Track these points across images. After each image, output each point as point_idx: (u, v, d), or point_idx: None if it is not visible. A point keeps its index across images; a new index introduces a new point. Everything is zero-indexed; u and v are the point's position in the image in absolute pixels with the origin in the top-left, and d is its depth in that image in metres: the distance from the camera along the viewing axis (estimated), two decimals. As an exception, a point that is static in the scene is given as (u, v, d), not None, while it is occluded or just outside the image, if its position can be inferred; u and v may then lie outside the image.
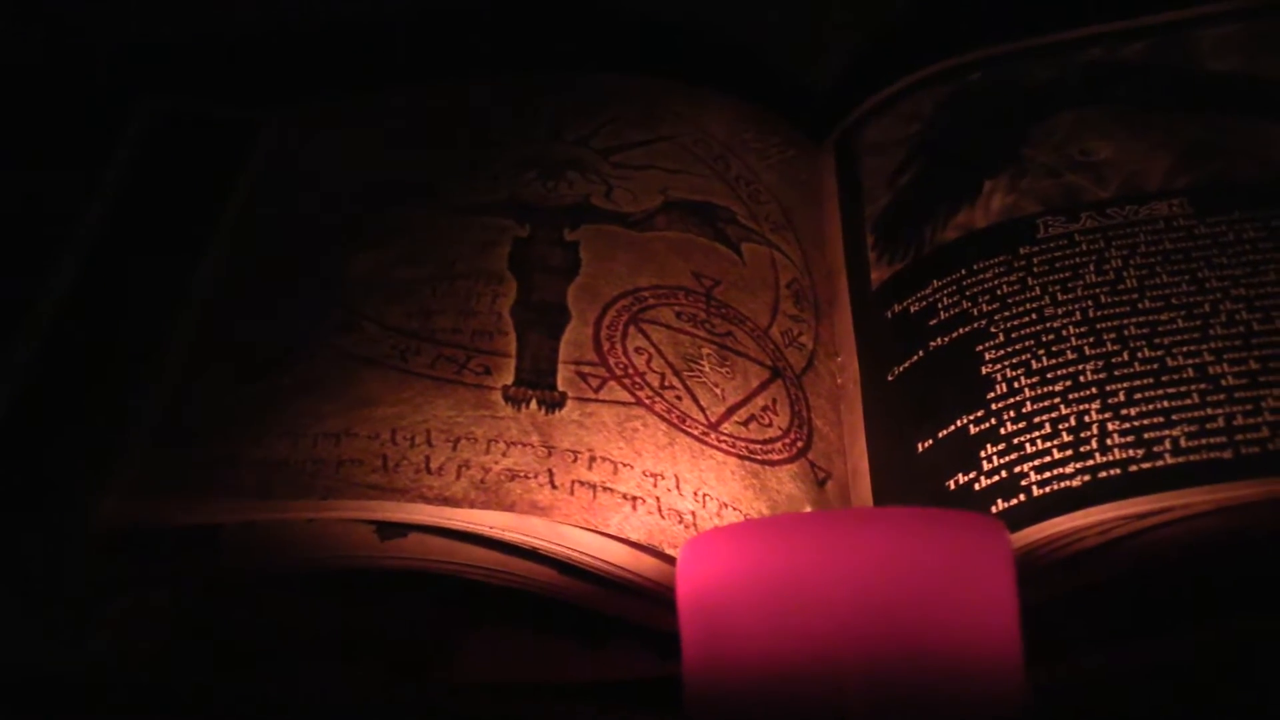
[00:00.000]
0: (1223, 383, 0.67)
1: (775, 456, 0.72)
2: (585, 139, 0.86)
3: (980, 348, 0.73)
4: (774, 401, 0.74)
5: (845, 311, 0.81)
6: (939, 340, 0.75)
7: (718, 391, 0.73)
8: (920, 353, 0.75)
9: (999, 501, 0.67)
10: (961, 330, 0.74)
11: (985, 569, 0.54)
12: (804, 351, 0.78)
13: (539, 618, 0.67)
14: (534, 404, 0.69)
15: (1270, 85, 0.81)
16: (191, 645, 0.66)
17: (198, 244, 0.80)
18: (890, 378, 0.76)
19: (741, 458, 0.71)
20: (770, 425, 0.73)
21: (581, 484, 0.66)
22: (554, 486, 0.66)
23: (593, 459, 0.68)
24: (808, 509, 0.70)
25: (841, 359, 0.79)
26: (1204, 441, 0.65)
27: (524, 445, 0.67)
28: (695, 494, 0.68)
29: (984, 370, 0.72)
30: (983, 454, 0.69)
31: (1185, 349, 0.69)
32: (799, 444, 0.73)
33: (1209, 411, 0.66)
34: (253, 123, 0.90)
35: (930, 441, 0.71)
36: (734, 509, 0.68)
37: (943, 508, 0.66)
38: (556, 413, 0.69)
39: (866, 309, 0.80)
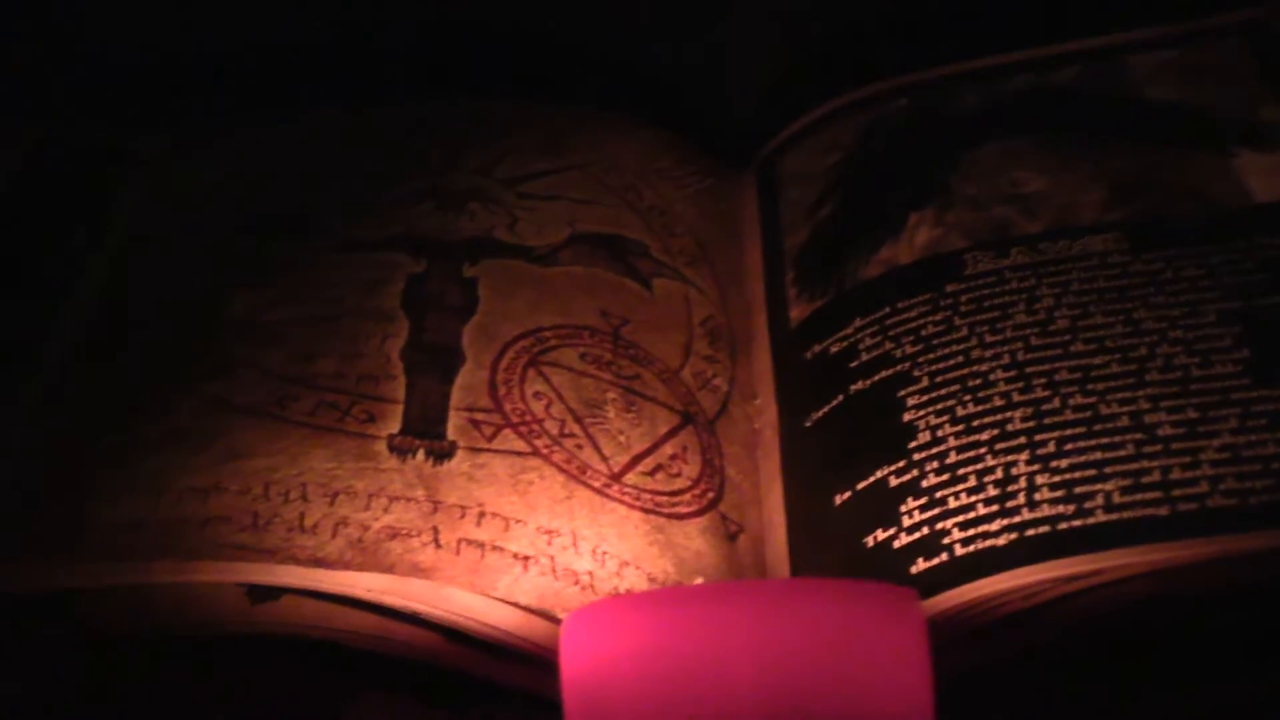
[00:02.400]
0: (1159, 433, 0.63)
1: (683, 509, 0.67)
2: (488, 168, 0.81)
3: (903, 393, 0.68)
4: (684, 449, 0.69)
5: (764, 351, 0.77)
6: (860, 384, 0.70)
7: (622, 439, 0.68)
8: (840, 397, 0.70)
9: (919, 561, 0.62)
10: (883, 373, 0.70)
11: (897, 644, 0.49)
12: (718, 395, 0.73)
13: (424, 684, 0.62)
14: (420, 455, 0.64)
15: (1206, 115, 0.77)
16: None
17: (64, 282, 0.75)
18: (808, 423, 0.71)
19: (646, 511, 0.66)
20: (679, 475, 0.68)
21: (468, 542, 0.61)
22: (438, 545, 0.61)
23: (482, 515, 0.62)
24: (708, 573, 0.65)
25: (760, 401, 0.74)
26: (1138, 497, 0.61)
27: (408, 500, 0.62)
28: (594, 552, 0.63)
29: (906, 417, 0.67)
30: (903, 508, 0.64)
31: (1120, 396, 0.65)
32: (710, 495, 0.68)
33: (1144, 464, 0.62)
34: (130, 150, 0.84)
35: (848, 494, 0.66)
36: (635, 567, 0.63)
37: (851, 578, 0.61)
38: (445, 464, 0.64)
39: (785, 349, 0.76)
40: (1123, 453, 0.62)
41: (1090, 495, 0.61)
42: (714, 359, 0.74)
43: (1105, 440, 0.63)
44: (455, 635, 0.60)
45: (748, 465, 0.71)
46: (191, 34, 0.88)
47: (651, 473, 0.67)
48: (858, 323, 0.73)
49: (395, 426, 0.65)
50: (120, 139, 0.86)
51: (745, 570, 0.67)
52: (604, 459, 0.67)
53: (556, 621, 0.60)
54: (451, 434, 0.65)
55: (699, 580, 0.64)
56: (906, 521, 0.64)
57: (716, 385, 0.73)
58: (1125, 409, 0.64)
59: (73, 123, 0.87)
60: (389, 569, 0.60)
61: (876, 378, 0.70)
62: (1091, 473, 0.62)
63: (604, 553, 0.63)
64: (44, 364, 0.70)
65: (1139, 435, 0.63)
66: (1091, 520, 0.60)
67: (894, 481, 0.65)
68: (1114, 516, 0.60)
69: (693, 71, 0.92)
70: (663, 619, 0.49)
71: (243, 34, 0.88)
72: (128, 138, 0.86)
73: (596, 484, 0.66)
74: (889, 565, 0.63)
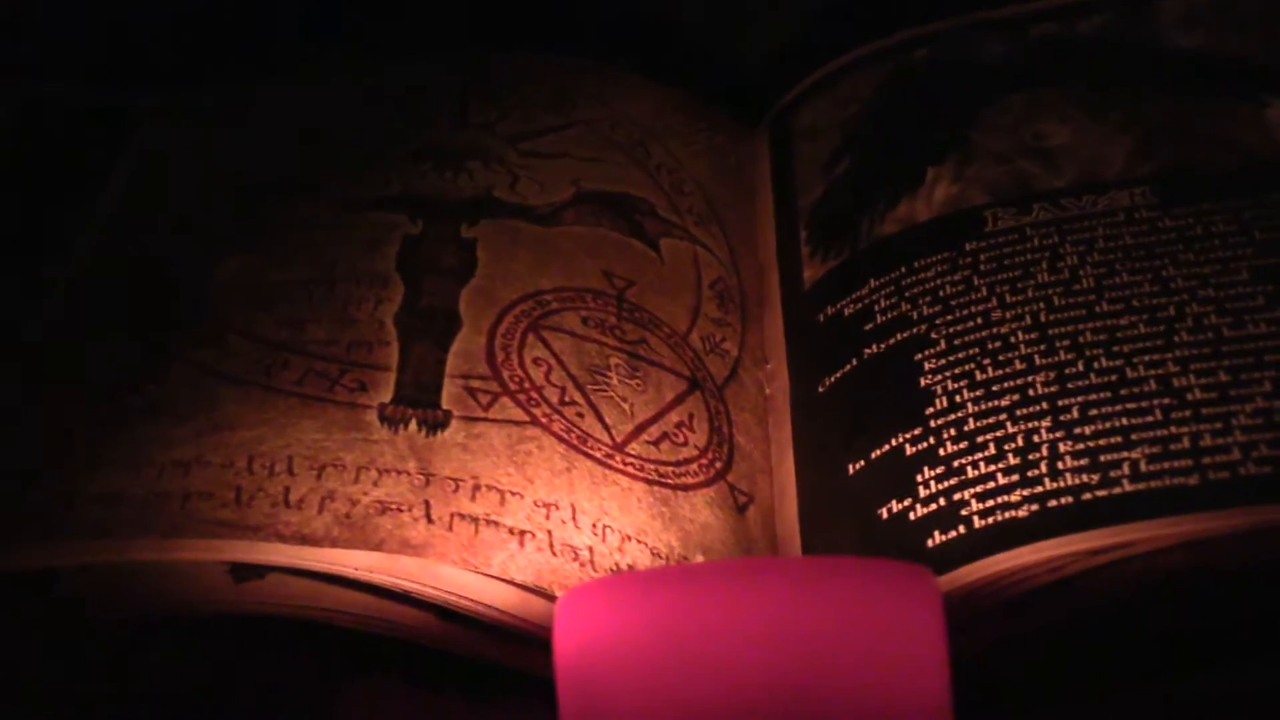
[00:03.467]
0: (1188, 397, 0.59)
1: (689, 480, 0.64)
2: (491, 124, 0.78)
3: (919, 356, 0.65)
4: (690, 417, 0.66)
5: (776, 313, 0.73)
6: (875, 347, 0.67)
7: (626, 407, 0.65)
8: (854, 361, 0.67)
9: (936, 534, 0.59)
10: (900, 336, 0.67)
11: (911, 624, 0.46)
12: (727, 359, 0.70)
13: (422, 666, 0.59)
14: (413, 425, 0.61)
15: (1238, 63, 0.74)
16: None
17: (58, 248, 0.72)
18: (821, 389, 0.68)
19: (650, 482, 0.63)
20: (685, 444, 0.65)
21: (462, 517, 0.58)
22: (430, 520, 0.58)
23: (477, 488, 0.59)
24: (716, 547, 0.62)
25: (771, 366, 0.71)
26: (1166, 465, 0.57)
27: (398, 473, 0.59)
28: (594, 526, 0.60)
29: (923, 382, 0.64)
30: (919, 478, 0.61)
31: (1147, 358, 0.61)
32: (717, 465, 0.65)
33: (1173, 430, 0.58)
34: (128, 112, 0.81)
35: (862, 463, 0.63)
36: (638, 542, 0.60)
37: (862, 555, 0.58)
38: (439, 434, 0.61)
39: (798, 311, 0.72)
40: (1150, 418, 0.59)
41: (1116, 464, 0.58)
42: (723, 322, 0.71)
43: (1132, 405, 0.60)
44: (448, 614, 0.57)
45: (758, 433, 0.68)
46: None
47: (656, 442, 0.64)
48: (873, 283, 0.70)
49: (387, 395, 0.62)
50: (116, 99, 0.83)
51: (754, 543, 0.64)
52: (606, 428, 0.64)
53: (554, 599, 0.57)
54: (446, 403, 0.62)
55: (700, 557, 0.61)
56: (923, 492, 0.60)
57: (726, 349, 0.70)
58: (1153, 372, 0.61)
59: (66, 82, 0.83)
60: (377, 546, 0.57)
61: (892, 340, 0.67)
62: (1117, 440, 0.59)
63: (605, 527, 0.60)
64: (36, 329, 0.67)
65: (1167, 400, 0.60)
66: (1117, 490, 0.57)
67: (910, 450, 0.62)
68: (1141, 486, 0.57)
69: (704, 22, 0.89)
70: (662, 599, 0.46)
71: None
72: (124, 98, 0.82)
73: (598, 454, 0.63)
74: (904, 538, 0.60)
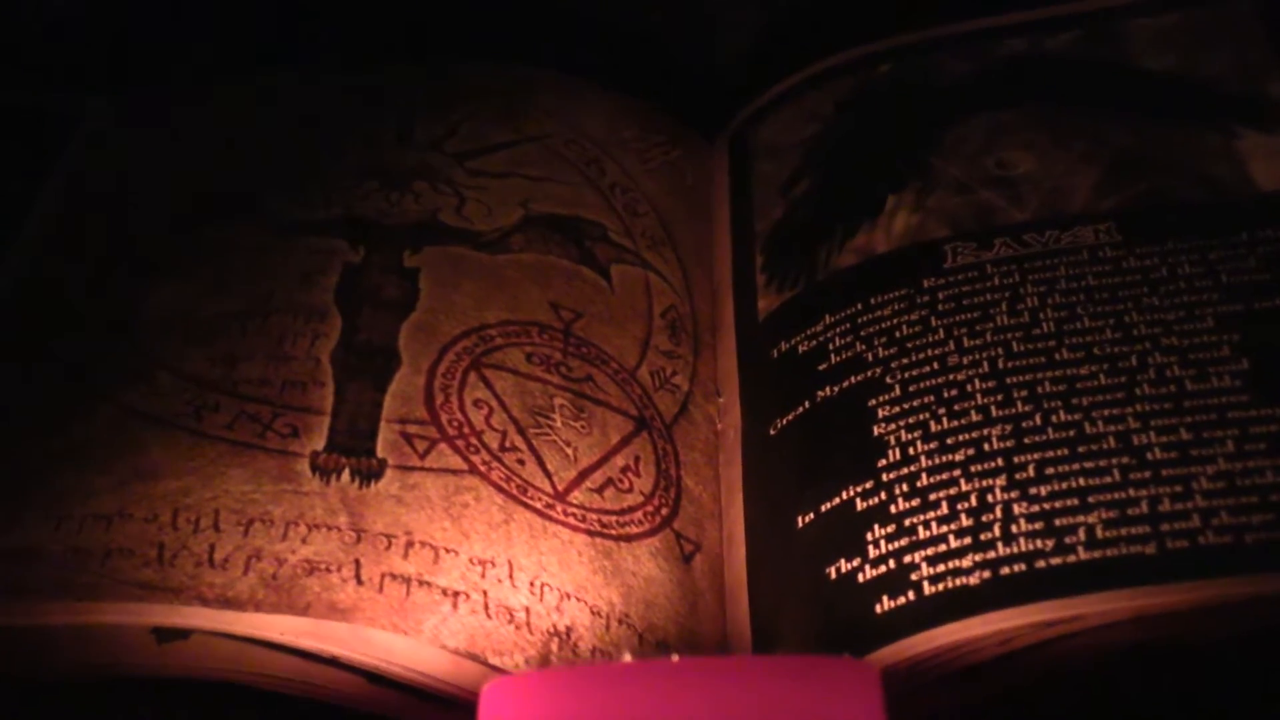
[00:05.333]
0: (1148, 456, 0.57)
1: (633, 529, 0.62)
2: (439, 141, 0.75)
3: (873, 402, 0.63)
4: (636, 460, 0.64)
5: (729, 343, 0.71)
6: (828, 390, 0.65)
7: (569, 452, 0.62)
8: (807, 404, 0.65)
9: (884, 599, 0.57)
10: (854, 379, 0.64)
11: (850, 723, 0.44)
12: (677, 395, 0.68)
13: (351, 724, 0.57)
14: (346, 475, 0.59)
15: (1209, 89, 0.71)
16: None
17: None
18: (773, 431, 0.65)
19: (592, 533, 0.60)
20: (630, 490, 0.63)
21: (393, 577, 0.56)
22: (360, 582, 0.56)
23: (410, 545, 0.57)
24: (660, 601, 0.59)
25: (723, 400, 0.69)
26: (1123, 531, 0.55)
27: (329, 529, 0.57)
28: (532, 584, 0.58)
29: (876, 430, 0.62)
30: (869, 536, 0.59)
31: (1107, 412, 0.59)
32: (664, 511, 0.63)
33: (1131, 493, 0.56)
34: (62, 115, 0.78)
35: (812, 515, 0.61)
36: (577, 599, 0.58)
37: (807, 617, 0.56)
38: (372, 485, 0.59)
39: (751, 343, 0.70)
40: (1108, 479, 0.57)
41: (1071, 528, 0.56)
42: (674, 354, 0.69)
43: (1089, 464, 0.58)
44: (378, 679, 0.55)
45: (707, 473, 0.66)
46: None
47: (600, 489, 0.62)
48: (828, 319, 0.67)
49: (320, 442, 0.60)
50: (51, 101, 0.80)
51: (700, 595, 0.62)
52: (548, 475, 0.61)
53: (487, 665, 0.55)
54: (381, 450, 0.60)
55: (643, 613, 0.59)
56: (873, 552, 0.58)
57: (676, 384, 0.68)
58: (1112, 428, 0.59)
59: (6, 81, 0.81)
60: (304, 610, 0.54)
61: (846, 383, 0.65)
62: (1073, 502, 0.57)
63: (543, 585, 0.58)
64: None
65: (1126, 459, 0.58)
66: (1072, 558, 0.55)
67: (860, 504, 0.60)
68: (1096, 554, 0.55)
69: (665, 28, 0.86)
70: (594, 697, 0.44)
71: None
72: (60, 100, 0.80)
73: (538, 504, 0.60)
74: (852, 602, 0.58)
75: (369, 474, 0.59)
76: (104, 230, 0.71)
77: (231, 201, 0.72)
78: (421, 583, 0.56)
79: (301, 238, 0.69)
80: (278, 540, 0.57)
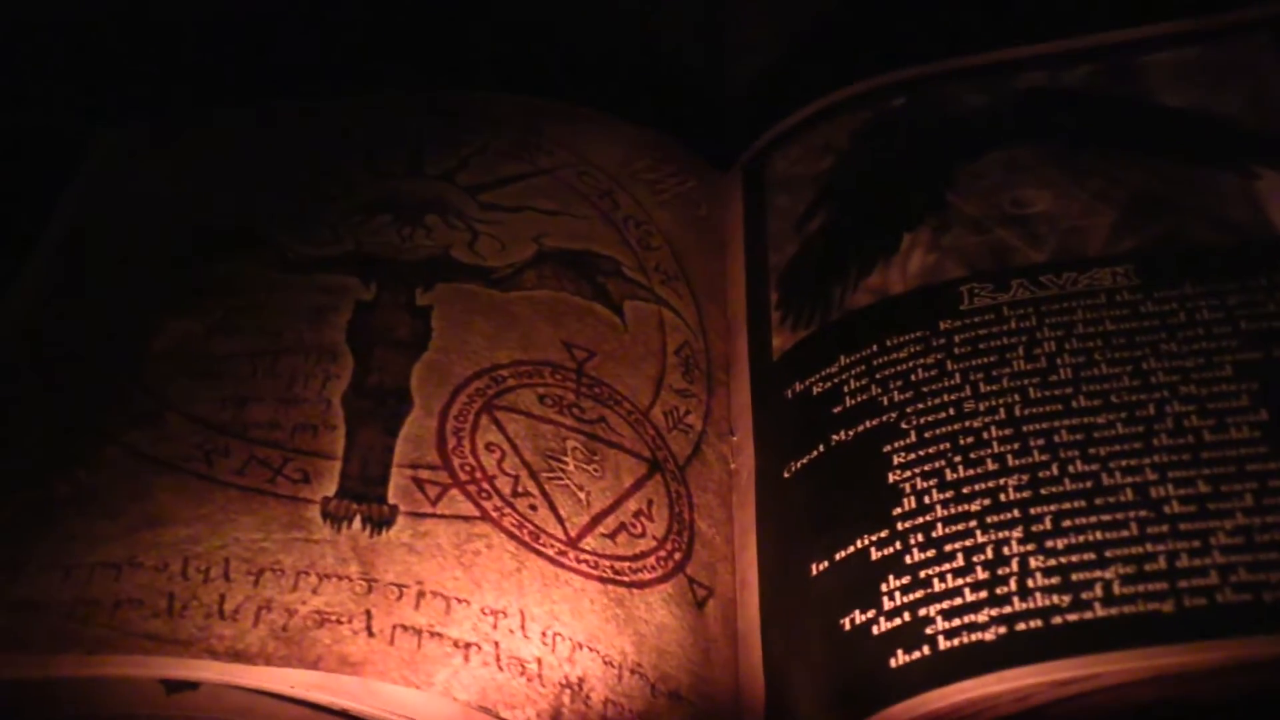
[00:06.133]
0: (1165, 510, 0.57)
1: (646, 575, 0.61)
2: (451, 173, 0.75)
3: (889, 448, 0.62)
4: (649, 504, 0.63)
5: (743, 381, 0.71)
6: (843, 434, 0.64)
7: (582, 496, 0.62)
8: (821, 447, 0.64)
9: (899, 654, 0.56)
10: (869, 423, 0.64)
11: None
12: (690, 435, 0.67)
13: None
14: (357, 522, 0.59)
15: (1227, 127, 0.70)
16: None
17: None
18: (787, 474, 0.65)
19: (605, 580, 0.60)
20: (643, 535, 0.62)
21: (404, 629, 0.56)
22: (371, 634, 0.55)
23: (421, 595, 0.57)
24: (673, 649, 0.59)
25: (737, 439, 0.69)
26: (1140, 589, 0.55)
27: (339, 579, 0.57)
28: (544, 635, 0.57)
29: (891, 478, 0.61)
30: (884, 588, 0.58)
31: (1124, 463, 0.59)
32: (676, 556, 0.63)
33: (1148, 548, 0.56)
34: (79, 141, 0.77)
35: (826, 564, 0.61)
36: (589, 649, 0.58)
37: (822, 669, 0.56)
38: (383, 533, 0.58)
39: (766, 382, 0.70)
40: (1125, 533, 0.57)
41: (1088, 584, 0.56)
42: (688, 393, 0.69)
43: (1106, 517, 0.57)
44: (390, 730, 0.55)
45: (720, 515, 0.66)
46: (148, 17, 0.81)
47: (613, 534, 0.62)
48: (843, 360, 0.67)
49: (331, 488, 0.60)
50: (70, 127, 0.79)
51: (713, 642, 0.62)
52: (560, 521, 0.61)
53: (499, 718, 0.55)
54: (393, 496, 0.60)
55: (655, 661, 0.58)
56: (888, 604, 0.58)
57: (690, 424, 0.68)
58: (1129, 479, 0.58)
59: (20, 107, 0.80)
60: (314, 663, 0.54)
61: (861, 428, 0.64)
62: (1090, 556, 0.56)
63: (555, 634, 0.58)
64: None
65: (1144, 512, 0.57)
66: (1088, 614, 0.55)
67: (875, 554, 0.60)
68: (1113, 611, 0.55)
69: (678, 58, 0.86)
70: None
71: (202, 19, 0.81)
72: (78, 127, 0.79)
73: (551, 551, 0.60)
74: (866, 656, 0.57)
75: (380, 521, 0.59)
76: (111, 263, 0.71)
77: (238, 235, 0.71)
78: (433, 634, 0.56)
79: (312, 274, 0.69)
80: (288, 590, 0.56)
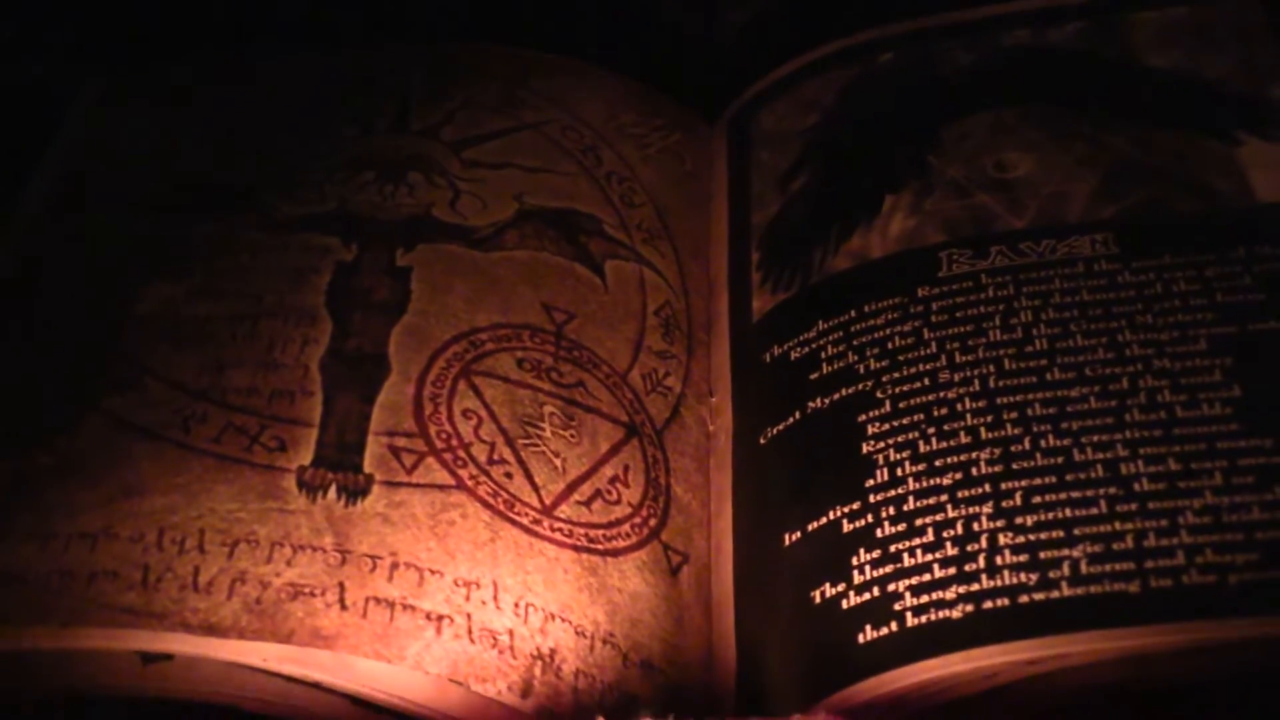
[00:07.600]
0: (1135, 487, 0.57)
1: (620, 543, 0.62)
2: (435, 128, 0.75)
3: (863, 417, 0.63)
4: (625, 469, 0.64)
5: (723, 341, 0.71)
6: (819, 401, 0.65)
7: (558, 463, 0.62)
8: (797, 414, 0.65)
9: (867, 629, 0.57)
10: (844, 391, 0.64)
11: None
12: (669, 397, 0.68)
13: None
14: (332, 492, 0.59)
15: (1212, 90, 0.70)
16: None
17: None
18: (763, 440, 0.65)
19: (579, 549, 0.61)
20: (618, 501, 0.63)
21: (377, 602, 0.56)
22: (344, 607, 0.56)
23: (395, 566, 0.57)
24: (645, 617, 0.60)
25: (716, 400, 0.69)
26: (1108, 568, 0.55)
27: (314, 550, 0.57)
28: (516, 605, 0.58)
29: (865, 449, 0.62)
30: (855, 561, 0.59)
31: (1096, 438, 0.59)
32: (651, 522, 0.63)
33: (1116, 526, 0.56)
34: (62, 93, 0.77)
35: (799, 534, 0.61)
36: (561, 620, 0.58)
37: (792, 642, 0.56)
38: (358, 503, 0.59)
39: (745, 344, 0.70)
40: (1094, 510, 0.57)
41: (1056, 562, 0.56)
42: (667, 354, 0.69)
43: (1076, 494, 0.58)
44: (360, 702, 0.55)
45: (697, 480, 0.66)
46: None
47: (588, 501, 0.62)
48: (821, 325, 0.67)
49: (307, 456, 0.60)
50: (54, 79, 0.79)
51: (687, 609, 0.62)
52: (535, 489, 0.61)
53: (470, 690, 0.55)
54: (369, 465, 0.60)
55: (628, 630, 0.58)
56: (857, 578, 0.59)
57: (668, 386, 0.68)
58: (1101, 455, 0.59)
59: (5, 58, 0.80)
60: (287, 637, 0.55)
61: (836, 395, 0.64)
62: (1059, 534, 0.57)
63: (528, 605, 0.58)
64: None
65: (1113, 489, 0.57)
66: (1055, 594, 0.55)
67: (847, 526, 0.60)
68: (1080, 591, 0.55)
69: (663, 6, 0.85)
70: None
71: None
72: (62, 78, 0.79)
73: (525, 520, 0.60)
74: (836, 630, 0.58)
75: (355, 491, 0.59)
76: (96, 223, 0.71)
77: (224, 193, 0.71)
78: (406, 606, 0.57)
79: (296, 234, 0.69)
80: (262, 562, 0.57)
